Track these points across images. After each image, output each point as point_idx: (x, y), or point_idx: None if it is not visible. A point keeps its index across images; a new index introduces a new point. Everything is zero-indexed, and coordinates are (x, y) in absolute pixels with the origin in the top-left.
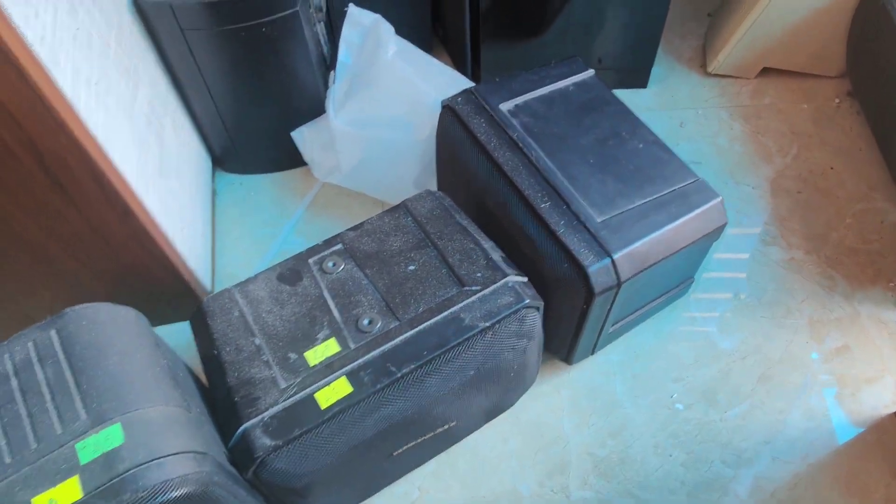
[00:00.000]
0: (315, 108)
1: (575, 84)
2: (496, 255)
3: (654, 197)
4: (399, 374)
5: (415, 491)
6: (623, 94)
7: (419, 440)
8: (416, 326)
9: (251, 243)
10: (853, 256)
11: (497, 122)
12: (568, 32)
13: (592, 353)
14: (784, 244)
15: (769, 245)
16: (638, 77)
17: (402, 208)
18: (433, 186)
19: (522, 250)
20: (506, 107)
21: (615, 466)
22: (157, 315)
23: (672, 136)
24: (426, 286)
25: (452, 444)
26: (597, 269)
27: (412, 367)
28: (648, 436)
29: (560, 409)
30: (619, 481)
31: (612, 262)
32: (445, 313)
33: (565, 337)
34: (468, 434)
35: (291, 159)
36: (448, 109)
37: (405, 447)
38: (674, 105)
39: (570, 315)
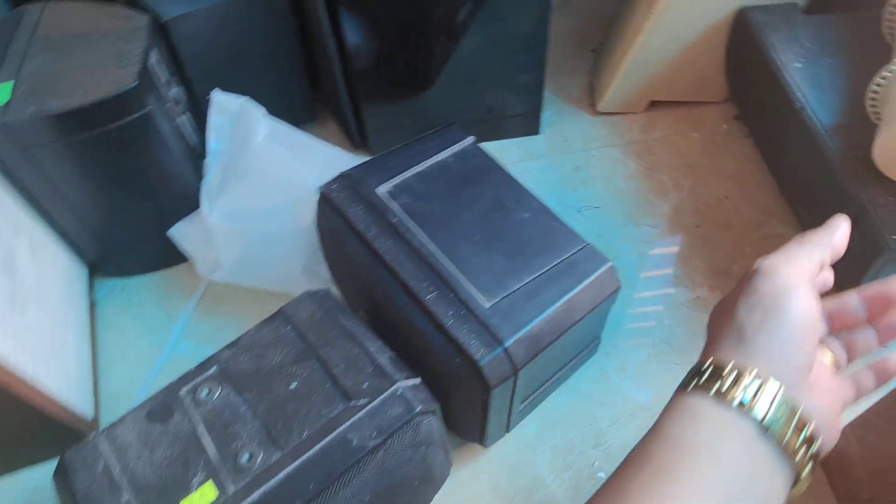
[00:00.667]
0: (191, 202)
1: (454, 155)
2: (384, 358)
3: (544, 271)
4: None
5: None
6: (518, 143)
7: None
8: (301, 456)
9: (137, 354)
10: None
11: (375, 207)
12: (453, 84)
13: (508, 430)
14: (689, 283)
15: (675, 286)
16: (530, 123)
17: (281, 316)
18: (324, 273)
19: (414, 345)
20: (383, 189)
21: None
22: (30, 456)
23: (568, 182)
24: (310, 406)
25: None
26: (489, 361)
27: None
28: None
29: (481, 496)
30: None
31: (505, 350)
32: (332, 436)
33: (473, 425)
34: None
35: (174, 255)
36: (323, 198)
37: None
38: (567, 149)
39: (473, 406)
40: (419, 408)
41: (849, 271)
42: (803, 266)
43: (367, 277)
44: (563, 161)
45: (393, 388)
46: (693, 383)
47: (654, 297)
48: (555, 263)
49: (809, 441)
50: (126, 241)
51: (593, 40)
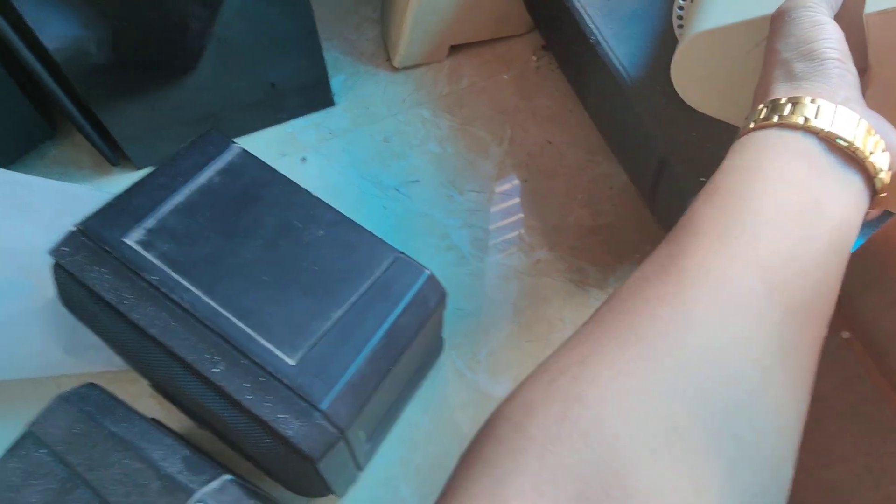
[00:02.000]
0: None
1: (219, 172)
2: (175, 463)
3: (353, 301)
4: None
5: None
6: (314, 122)
7: None
8: None
9: None
10: (594, 237)
11: (125, 266)
12: (217, 62)
13: (360, 470)
14: (526, 247)
15: (511, 254)
16: (320, 94)
17: (30, 439)
18: (101, 346)
19: (216, 430)
20: (133, 239)
21: None
22: None
23: (379, 157)
24: None
25: None
26: (306, 434)
27: None
28: None
29: None
30: None
31: (324, 414)
32: None
33: (317, 487)
34: None
35: None
36: (57, 267)
37: None
38: (371, 118)
39: (307, 475)
40: None
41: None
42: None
43: (137, 359)
44: (368, 133)
45: (191, 499)
46: (750, 124)
47: (491, 272)
48: (365, 288)
49: (876, 145)
50: None
51: None
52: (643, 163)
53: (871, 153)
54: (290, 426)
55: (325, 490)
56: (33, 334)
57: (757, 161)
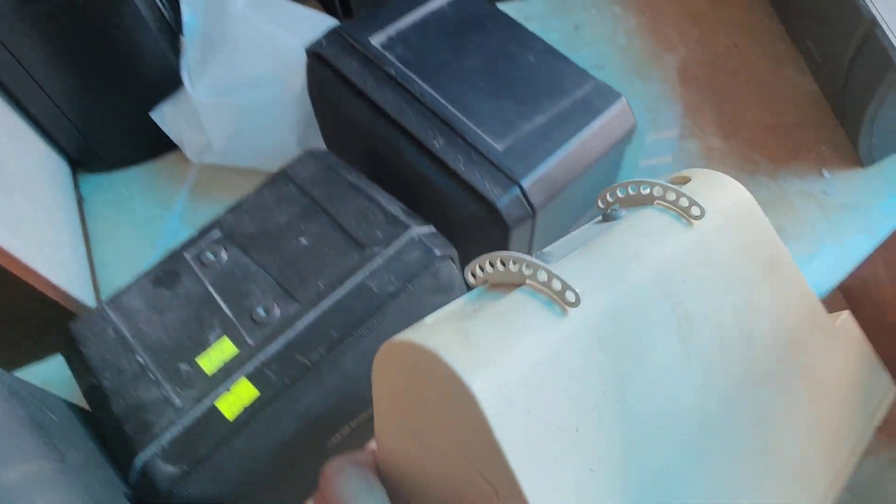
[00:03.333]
0: (171, 81)
1: (449, 3)
2: (395, 208)
3: (556, 111)
4: (310, 364)
5: None
6: (513, 7)
7: (356, 420)
8: (319, 306)
9: (134, 246)
10: (771, 133)
11: (370, 60)
12: None
13: None
14: (700, 134)
15: (687, 139)
16: None
17: (283, 177)
18: (319, 144)
19: (425, 197)
20: (377, 40)
21: None
22: (38, 349)
23: (569, 42)
24: (323, 259)
25: None
26: (507, 202)
27: (322, 352)
28: None
29: None
30: None
31: (522, 190)
32: (350, 284)
33: None
34: None
35: (161, 143)
36: (314, 56)
37: (340, 433)
38: (565, 9)
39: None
40: (438, 252)
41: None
42: None
43: (368, 133)
44: (562, 22)
45: (408, 234)
46: None
47: (665, 149)
48: (566, 103)
49: None
50: (107, 131)
51: None
52: (840, 43)
53: None
54: (494, 193)
55: None
56: (279, 121)
57: None
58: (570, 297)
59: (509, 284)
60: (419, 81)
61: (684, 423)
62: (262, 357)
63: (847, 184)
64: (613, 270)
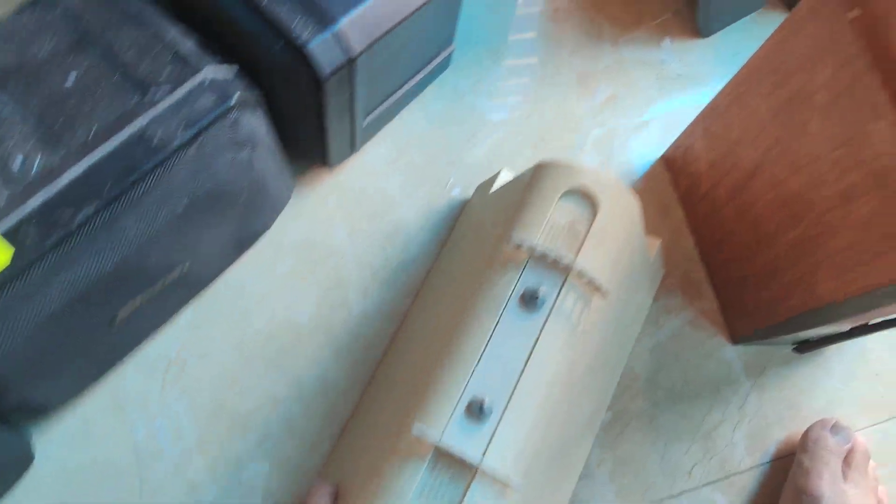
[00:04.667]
0: None
1: None
2: (188, 43)
3: None
4: (76, 223)
5: (172, 349)
6: None
7: (146, 295)
8: (91, 155)
9: None
10: None
11: None
12: None
13: (354, 149)
14: None
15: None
16: None
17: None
18: None
19: (229, 35)
20: None
21: (396, 270)
22: None
23: None
24: (96, 100)
25: (202, 287)
26: (318, 46)
27: (93, 208)
28: (426, 230)
29: (329, 219)
30: (398, 286)
31: (337, 32)
32: (128, 131)
33: (310, 138)
34: (220, 272)
35: None
36: None
37: (129, 307)
38: None
39: (304, 110)
40: (235, 98)
41: None
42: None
43: None
44: None
45: (200, 74)
46: None
47: (509, 10)
48: None
49: None
50: None
51: None
52: None
53: None
54: (304, 33)
55: (320, 149)
56: None
57: None
58: None
59: None
60: None
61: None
62: (19, 214)
63: (685, 54)
64: None
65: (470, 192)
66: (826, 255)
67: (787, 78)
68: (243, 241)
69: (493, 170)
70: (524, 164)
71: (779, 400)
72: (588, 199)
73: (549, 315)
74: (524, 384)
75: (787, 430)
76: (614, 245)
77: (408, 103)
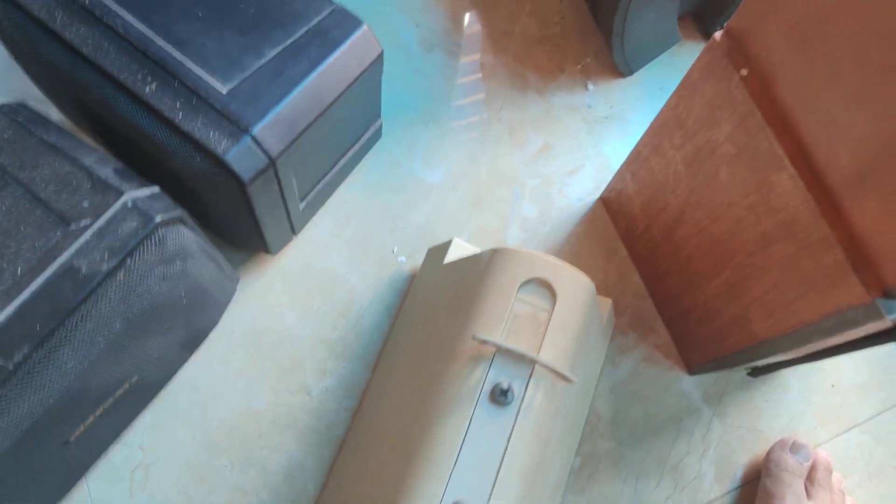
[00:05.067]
0: None
1: None
2: (106, 170)
3: (288, 44)
4: (12, 366)
5: (136, 451)
6: None
7: (97, 413)
8: (18, 297)
9: None
10: (539, 47)
11: None
12: None
13: (295, 233)
14: (471, 50)
15: (456, 56)
16: None
17: None
18: (29, 89)
19: (147, 153)
20: None
21: (351, 344)
22: None
23: None
24: (20, 240)
25: (157, 391)
26: (237, 154)
27: (27, 349)
28: (377, 301)
29: (277, 305)
30: (356, 359)
31: (253, 139)
32: (53, 268)
33: (247, 232)
34: (173, 374)
35: None
36: None
37: (81, 428)
38: None
39: (235, 209)
40: (158, 218)
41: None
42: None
43: (70, 79)
44: None
45: (121, 201)
46: None
47: (434, 71)
48: (300, 34)
49: None
50: None
51: None
52: None
53: None
54: (221, 145)
55: (258, 239)
56: None
57: None
58: None
59: None
60: (122, 12)
61: None
62: None
63: (609, 95)
64: None
65: (416, 258)
66: (753, 298)
67: (694, 132)
68: (192, 342)
69: (435, 233)
70: (466, 223)
71: (740, 424)
72: (546, 288)
73: (519, 409)
74: (502, 481)
75: (751, 453)
76: (574, 331)
77: (344, 178)
